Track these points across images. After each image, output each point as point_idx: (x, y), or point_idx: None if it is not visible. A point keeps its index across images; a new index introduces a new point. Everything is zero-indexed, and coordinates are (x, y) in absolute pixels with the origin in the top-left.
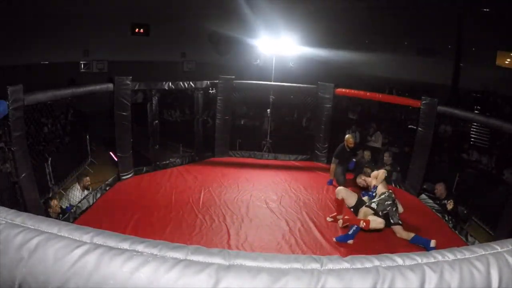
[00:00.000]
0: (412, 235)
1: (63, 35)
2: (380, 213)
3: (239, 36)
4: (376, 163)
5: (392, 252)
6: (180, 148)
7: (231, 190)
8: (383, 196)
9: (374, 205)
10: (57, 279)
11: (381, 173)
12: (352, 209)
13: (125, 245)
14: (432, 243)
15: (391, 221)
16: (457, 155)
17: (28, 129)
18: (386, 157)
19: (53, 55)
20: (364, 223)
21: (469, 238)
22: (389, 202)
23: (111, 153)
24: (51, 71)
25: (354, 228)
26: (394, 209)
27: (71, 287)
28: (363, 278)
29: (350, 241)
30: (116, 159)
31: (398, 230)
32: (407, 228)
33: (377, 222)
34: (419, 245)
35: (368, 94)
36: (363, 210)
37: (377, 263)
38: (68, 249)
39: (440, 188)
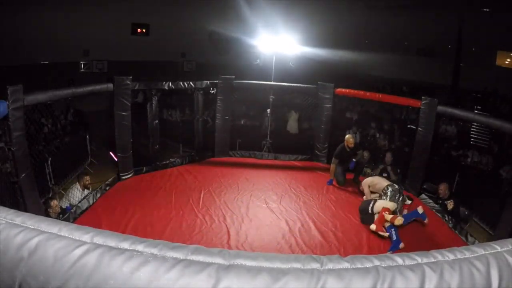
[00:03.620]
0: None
1: (63, 35)
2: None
3: (239, 36)
4: (376, 163)
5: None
6: (180, 148)
7: (231, 190)
8: (387, 190)
9: (385, 197)
10: (57, 279)
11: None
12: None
13: (125, 245)
14: (419, 209)
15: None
16: (457, 154)
17: (28, 129)
18: (388, 157)
19: (53, 55)
20: (401, 221)
21: (469, 238)
22: (394, 191)
23: (111, 153)
24: (51, 71)
25: (393, 230)
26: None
27: (71, 287)
28: (363, 278)
29: (402, 245)
30: (116, 159)
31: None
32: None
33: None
34: (413, 218)
35: (368, 94)
36: (378, 203)
37: (377, 263)
38: (68, 249)
39: (443, 188)
